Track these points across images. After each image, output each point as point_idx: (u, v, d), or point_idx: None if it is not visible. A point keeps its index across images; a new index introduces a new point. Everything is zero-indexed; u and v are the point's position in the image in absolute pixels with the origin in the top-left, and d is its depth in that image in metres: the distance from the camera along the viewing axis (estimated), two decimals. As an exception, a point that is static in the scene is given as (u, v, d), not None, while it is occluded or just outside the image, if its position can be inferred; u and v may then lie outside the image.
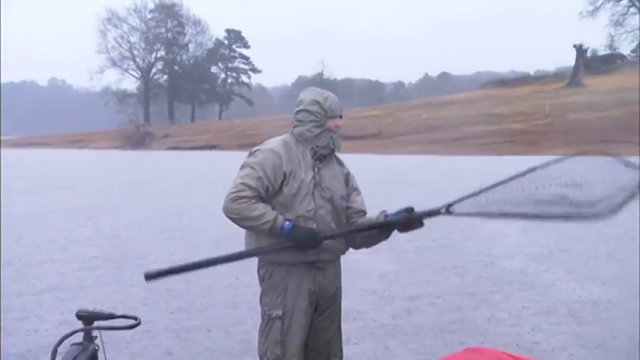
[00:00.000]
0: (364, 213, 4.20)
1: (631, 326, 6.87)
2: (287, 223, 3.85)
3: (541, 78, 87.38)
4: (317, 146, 4.07)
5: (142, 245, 12.19)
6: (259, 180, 3.89)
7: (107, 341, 3.71)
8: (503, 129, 50.79)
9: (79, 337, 3.48)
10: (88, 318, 3.53)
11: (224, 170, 33.93)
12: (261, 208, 3.84)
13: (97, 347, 3.53)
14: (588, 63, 78.85)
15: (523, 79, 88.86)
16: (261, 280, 4.14)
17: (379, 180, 23.71)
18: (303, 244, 3.85)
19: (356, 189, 4.27)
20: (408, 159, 40.21)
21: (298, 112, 4.12)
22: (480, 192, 3.52)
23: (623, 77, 70.73)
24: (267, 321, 4.06)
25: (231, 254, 3.93)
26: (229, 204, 3.86)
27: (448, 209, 3.64)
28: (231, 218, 3.89)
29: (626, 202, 3.14)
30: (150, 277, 3.86)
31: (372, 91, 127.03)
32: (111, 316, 3.58)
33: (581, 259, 10.43)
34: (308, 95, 4.12)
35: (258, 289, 4.16)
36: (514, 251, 11.04)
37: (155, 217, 16.10)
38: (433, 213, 3.72)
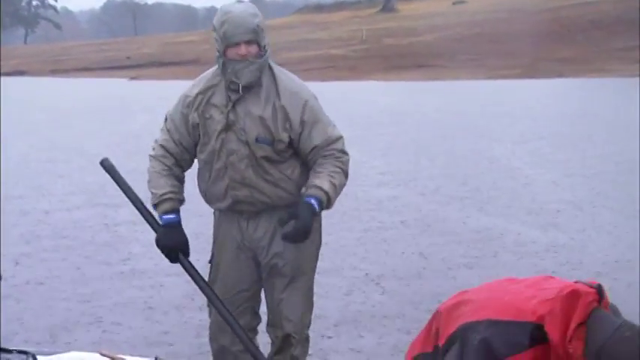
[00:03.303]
0: (320, 148, 3.50)
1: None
2: (166, 216, 3.51)
3: (355, 4, 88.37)
4: (226, 80, 3.45)
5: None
6: (169, 136, 3.62)
7: None
8: (323, 54, 50.99)
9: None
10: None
11: (37, 97, 32.38)
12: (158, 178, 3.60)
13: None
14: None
15: (338, 5, 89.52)
16: None
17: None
18: (162, 247, 3.55)
19: (305, 121, 3.47)
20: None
21: None
22: None
23: (434, 3, 72.94)
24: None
25: None
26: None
27: None
28: None
29: None
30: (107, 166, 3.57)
31: (184, 17, 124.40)
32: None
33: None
34: (216, 16, 3.41)
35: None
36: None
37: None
38: None
